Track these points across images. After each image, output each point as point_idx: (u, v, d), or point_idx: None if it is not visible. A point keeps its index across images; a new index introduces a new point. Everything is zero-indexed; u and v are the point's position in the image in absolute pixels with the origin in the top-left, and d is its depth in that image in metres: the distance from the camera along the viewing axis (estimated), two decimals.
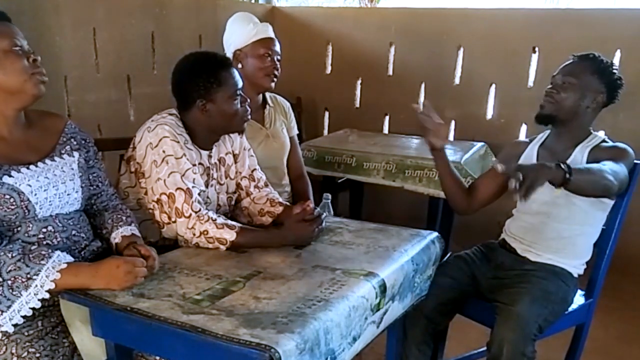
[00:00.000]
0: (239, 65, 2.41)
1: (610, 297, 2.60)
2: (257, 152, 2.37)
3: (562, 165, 1.68)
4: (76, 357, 1.56)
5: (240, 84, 1.96)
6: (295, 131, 2.70)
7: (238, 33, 2.44)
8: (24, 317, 1.45)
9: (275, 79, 2.45)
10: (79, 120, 2.95)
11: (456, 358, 2.45)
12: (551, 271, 2.05)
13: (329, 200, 2.04)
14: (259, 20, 2.48)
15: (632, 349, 2.85)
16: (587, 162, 2.01)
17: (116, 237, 1.70)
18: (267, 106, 2.56)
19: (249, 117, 2.01)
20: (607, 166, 1.87)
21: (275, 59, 2.44)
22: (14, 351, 1.47)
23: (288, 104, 2.70)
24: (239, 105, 1.94)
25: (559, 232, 2.08)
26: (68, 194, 1.63)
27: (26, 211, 1.52)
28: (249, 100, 1.99)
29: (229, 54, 2.45)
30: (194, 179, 1.87)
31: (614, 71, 2.06)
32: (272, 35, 2.46)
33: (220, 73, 1.91)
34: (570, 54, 2.12)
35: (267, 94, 2.60)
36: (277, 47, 2.46)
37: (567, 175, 1.67)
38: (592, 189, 1.85)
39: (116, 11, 3.29)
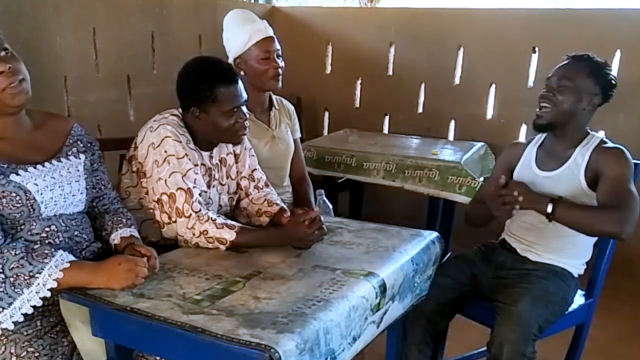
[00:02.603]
0: (242, 73, 2.35)
1: (610, 297, 2.60)
2: (263, 152, 2.37)
3: (549, 206, 1.88)
4: (75, 356, 1.56)
5: (241, 100, 1.91)
6: (299, 134, 2.68)
7: (233, 40, 2.37)
8: (24, 315, 1.44)
9: (279, 78, 2.38)
10: (79, 120, 2.93)
11: (456, 358, 2.45)
12: (551, 271, 2.05)
13: (323, 195, 2.03)
14: (251, 15, 2.40)
15: (632, 349, 2.85)
16: (589, 166, 2.01)
17: (115, 238, 1.71)
18: (273, 108, 2.55)
19: (246, 132, 1.97)
20: (620, 206, 1.87)
21: (276, 57, 2.36)
22: (12, 351, 1.47)
23: (292, 108, 2.68)
24: (233, 121, 1.89)
25: (559, 232, 2.07)
26: (73, 195, 1.63)
27: (31, 210, 1.52)
28: (247, 117, 1.95)
29: (230, 60, 2.40)
30: (195, 179, 1.87)
31: (608, 72, 2.04)
32: (269, 33, 2.37)
33: (218, 88, 1.85)
34: (571, 53, 2.12)
35: (274, 97, 2.57)
36: (276, 44, 2.38)
37: (549, 215, 1.88)
38: (585, 231, 1.96)
39: (116, 11, 3.28)
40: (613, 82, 2.04)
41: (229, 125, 1.90)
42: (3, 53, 1.48)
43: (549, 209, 1.88)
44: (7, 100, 1.49)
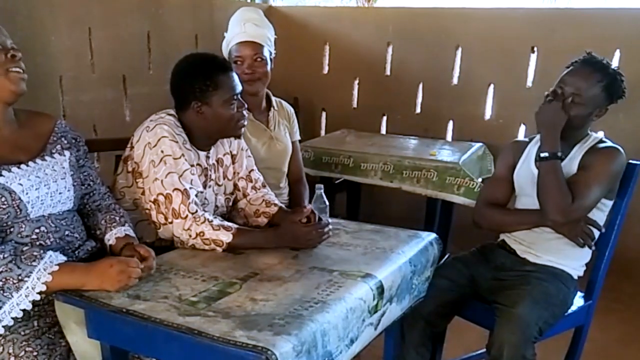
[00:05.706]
0: None
1: (609, 299, 2.59)
2: (260, 152, 2.38)
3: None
4: (72, 357, 1.55)
5: (238, 88, 1.94)
6: (298, 137, 2.68)
7: (226, 38, 2.43)
8: (14, 318, 1.44)
9: (250, 81, 2.33)
10: (74, 120, 2.95)
11: None
12: (551, 273, 2.04)
13: (322, 190, 2.02)
14: (250, 16, 2.42)
15: (631, 351, 2.84)
16: (580, 165, 2.02)
17: (110, 238, 1.69)
18: (272, 109, 2.55)
19: (246, 122, 1.99)
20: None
21: (253, 61, 2.34)
22: (10, 351, 1.46)
23: (292, 110, 2.68)
24: (234, 110, 1.92)
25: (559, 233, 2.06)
26: (60, 193, 1.62)
27: (18, 210, 1.51)
28: (246, 106, 1.97)
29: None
30: (191, 180, 1.85)
31: (621, 83, 2.04)
32: (244, 38, 2.35)
33: (217, 76, 1.88)
34: (570, 54, 2.10)
35: (273, 98, 2.57)
36: (257, 49, 2.35)
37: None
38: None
39: (112, 11, 3.27)
40: (624, 93, 2.06)
41: (231, 115, 1.91)
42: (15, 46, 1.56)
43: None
44: (6, 85, 1.51)
